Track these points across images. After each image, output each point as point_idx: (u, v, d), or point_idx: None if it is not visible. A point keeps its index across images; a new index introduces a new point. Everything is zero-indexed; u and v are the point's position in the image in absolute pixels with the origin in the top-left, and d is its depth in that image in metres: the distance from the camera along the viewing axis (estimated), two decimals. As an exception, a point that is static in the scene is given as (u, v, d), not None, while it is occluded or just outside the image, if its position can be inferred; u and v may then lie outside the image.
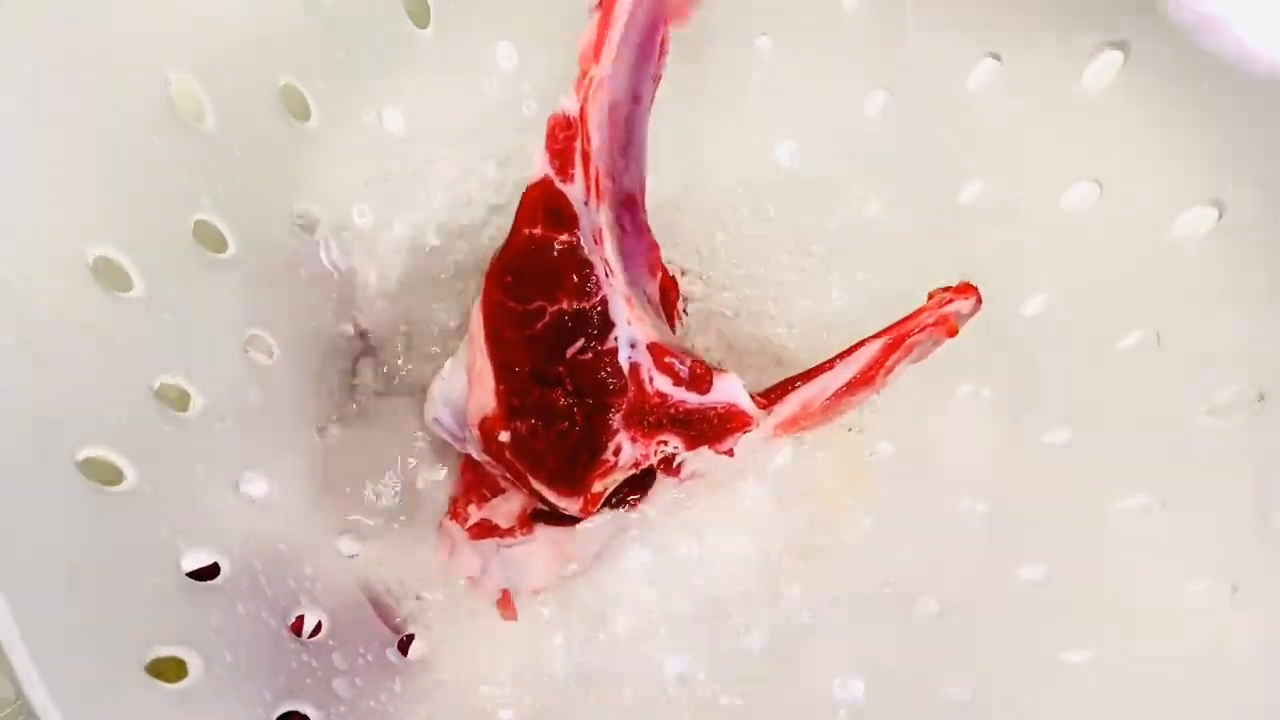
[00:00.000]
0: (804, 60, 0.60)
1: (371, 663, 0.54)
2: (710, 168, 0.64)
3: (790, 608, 0.59)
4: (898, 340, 0.54)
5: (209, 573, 0.48)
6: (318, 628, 0.52)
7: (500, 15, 0.59)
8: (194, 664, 0.44)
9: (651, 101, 0.50)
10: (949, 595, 0.58)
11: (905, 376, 0.54)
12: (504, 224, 0.59)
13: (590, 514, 0.51)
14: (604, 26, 0.45)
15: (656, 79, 0.50)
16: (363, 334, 0.59)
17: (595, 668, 0.59)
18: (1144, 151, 0.50)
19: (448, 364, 0.54)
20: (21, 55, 0.41)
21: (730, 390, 0.51)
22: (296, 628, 0.52)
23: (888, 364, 0.56)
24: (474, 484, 0.56)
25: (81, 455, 0.42)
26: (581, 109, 0.47)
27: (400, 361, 0.60)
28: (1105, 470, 0.54)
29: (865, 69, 0.59)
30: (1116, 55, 0.50)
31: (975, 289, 0.54)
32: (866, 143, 0.61)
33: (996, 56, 0.55)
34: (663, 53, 0.49)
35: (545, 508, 0.55)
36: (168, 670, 0.43)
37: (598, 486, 0.51)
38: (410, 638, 0.57)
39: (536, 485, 0.51)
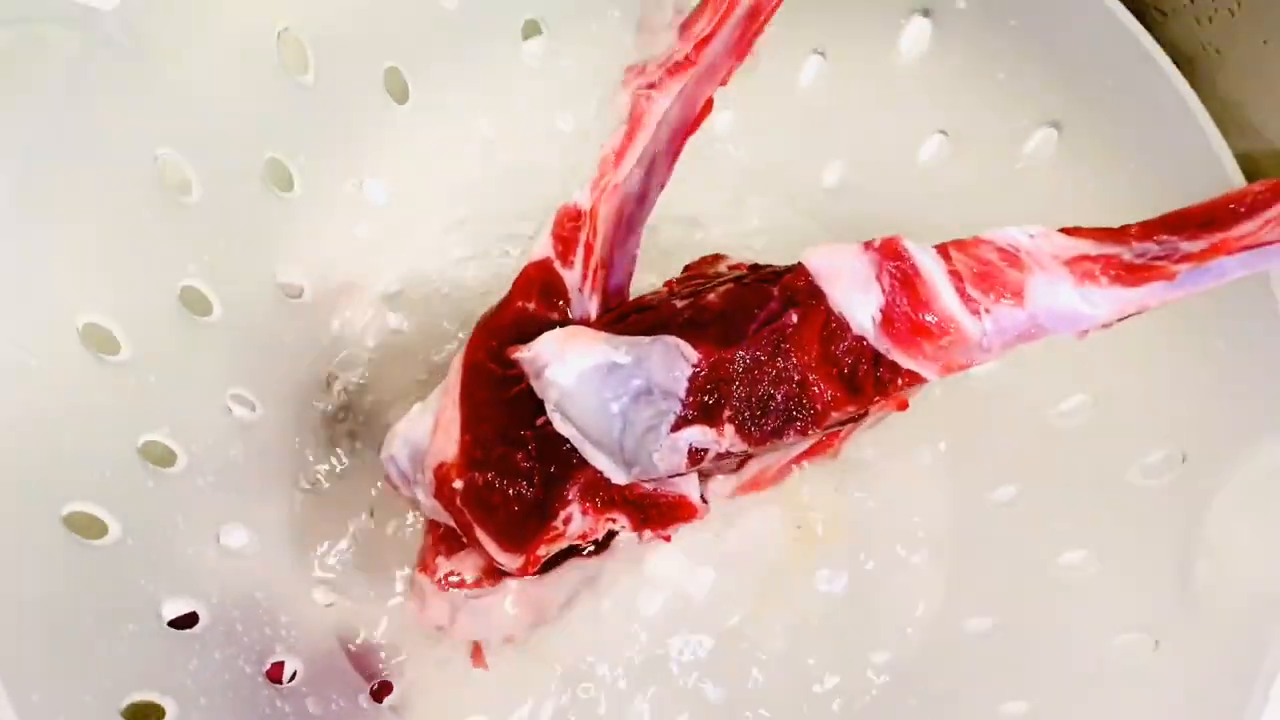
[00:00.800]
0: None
1: (345, 709, 0.56)
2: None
3: (745, 660, 0.61)
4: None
5: (188, 621, 0.50)
6: (293, 674, 0.55)
7: (475, 92, 0.62)
8: (170, 709, 0.46)
9: (654, 204, 0.54)
10: (902, 650, 0.60)
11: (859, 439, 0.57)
12: (481, 289, 0.64)
13: (527, 574, 0.53)
14: (629, 139, 0.49)
15: (663, 185, 0.53)
16: (341, 391, 0.62)
17: (566, 716, 0.61)
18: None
19: (416, 407, 0.56)
20: (17, 136, 0.44)
21: (685, 485, 0.54)
22: (273, 674, 0.54)
23: (843, 432, 0.58)
24: (442, 536, 0.59)
25: (66, 510, 0.45)
26: (593, 208, 0.50)
27: (375, 419, 0.62)
28: (1048, 526, 0.56)
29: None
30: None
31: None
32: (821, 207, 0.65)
33: (945, 133, 0.59)
34: (673, 163, 0.52)
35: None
36: (146, 714, 0.46)
37: (541, 550, 0.53)
38: (384, 685, 0.59)
39: (481, 535, 0.53)
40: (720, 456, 0.47)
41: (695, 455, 0.47)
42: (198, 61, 0.50)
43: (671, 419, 0.47)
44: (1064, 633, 0.53)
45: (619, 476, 0.51)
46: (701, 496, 0.55)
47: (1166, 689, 0.47)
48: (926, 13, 0.55)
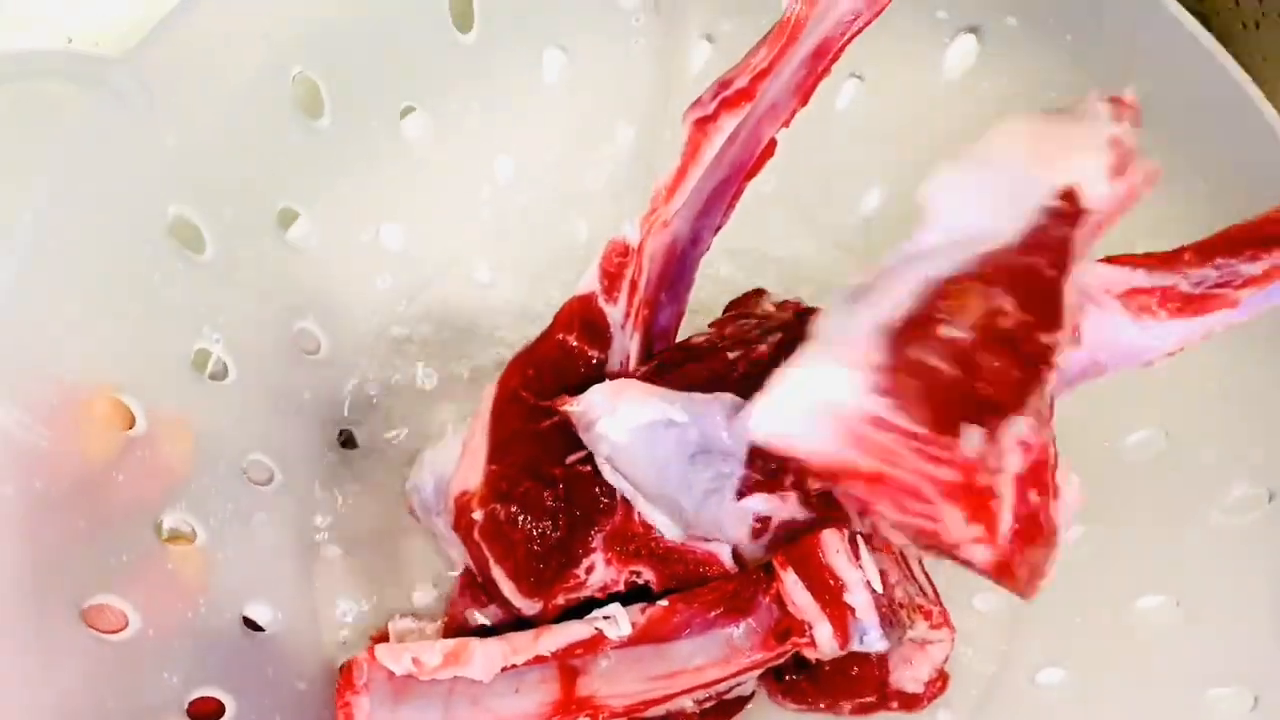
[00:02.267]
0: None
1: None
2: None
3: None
4: None
5: (214, 714, 0.47)
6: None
7: (497, 127, 0.59)
8: (203, 813, 0.43)
9: (708, 247, 0.51)
10: (964, 703, 0.57)
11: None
12: (504, 334, 0.61)
13: (544, 620, 0.50)
14: (682, 173, 0.46)
15: (718, 228, 0.51)
16: (364, 448, 0.59)
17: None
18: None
19: (448, 434, 0.54)
20: (28, 206, 0.41)
21: (716, 543, 0.51)
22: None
23: None
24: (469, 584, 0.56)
25: (87, 604, 0.41)
26: (641, 242, 0.47)
27: (398, 474, 0.59)
28: (1120, 569, 0.53)
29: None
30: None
31: None
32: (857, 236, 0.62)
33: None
34: (731, 205, 0.50)
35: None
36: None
37: (560, 600, 0.51)
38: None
39: (496, 573, 0.50)
40: (783, 526, 0.45)
41: (759, 525, 0.45)
42: (210, 111, 0.47)
43: (734, 483, 0.44)
44: (1146, 687, 0.50)
45: (674, 533, 0.48)
46: (735, 555, 0.52)
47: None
48: (973, 30, 0.53)
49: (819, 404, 0.36)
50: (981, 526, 0.35)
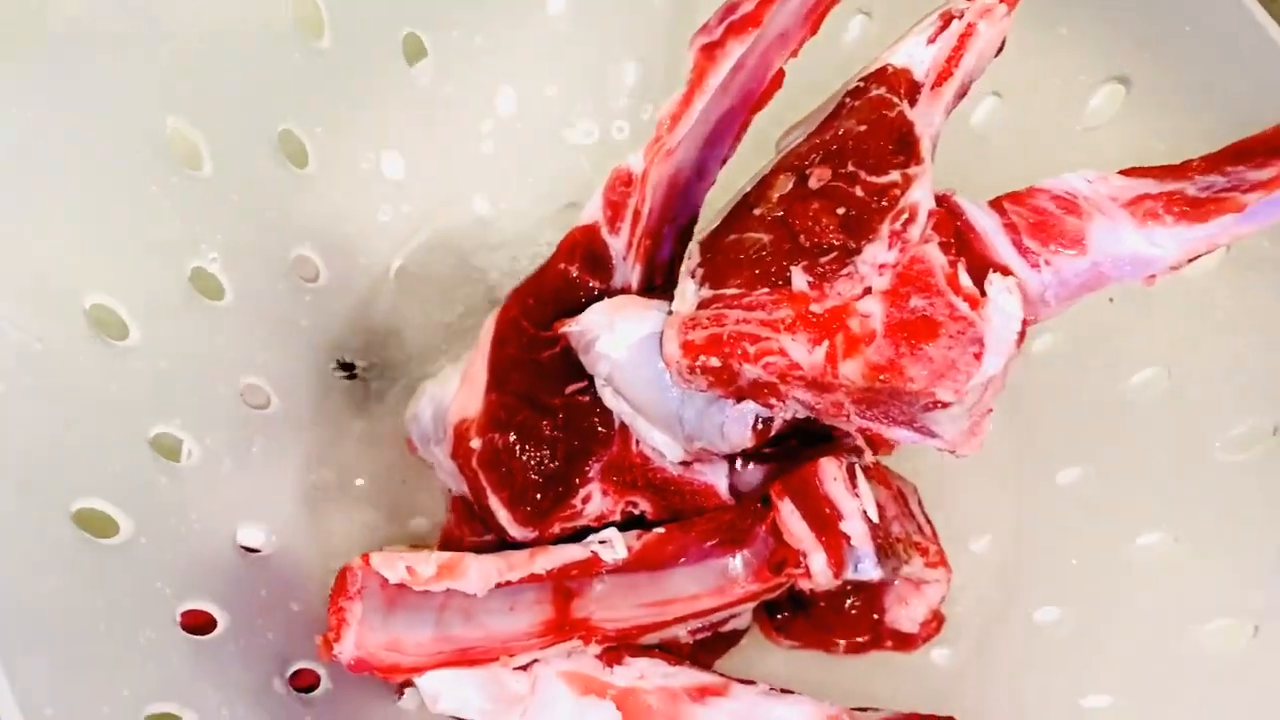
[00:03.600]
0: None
1: (373, 718, 0.53)
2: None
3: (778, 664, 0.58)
4: None
5: (205, 626, 0.46)
6: (317, 682, 0.51)
7: (500, 56, 0.58)
8: (191, 720, 0.43)
9: (714, 181, 0.51)
10: (962, 644, 0.56)
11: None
12: (504, 268, 0.60)
13: (535, 547, 0.50)
14: (687, 100, 0.45)
15: (724, 160, 0.50)
16: (361, 377, 0.58)
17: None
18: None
19: (448, 366, 0.53)
20: (19, 104, 0.40)
21: (713, 474, 0.51)
22: (298, 683, 0.51)
23: None
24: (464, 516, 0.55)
25: (75, 507, 0.41)
26: (645, 171, 0.47)
27: (398, 408, 0.59)
28: (1119, 509, 0.53)
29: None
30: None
31: None
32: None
33: (998, 94, 0.55)
34: (738, 137, 0.50)
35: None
36: (163, 727, 0.42)
37: (556, 529, 0.51)
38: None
39: (493, 502, 0.50)
40: (785, 427, 0.44)
41: (762, 427, 0.44)
42: (208, 22, 0.47)
43: (735, 388, 0.44)
44: (1146, 621, 0.50)
45: (675, 452, 0.48)
46: (732, 488, 0.52)
47: (1269, 677, 0.44)
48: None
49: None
50: (826, 344, 0.39)
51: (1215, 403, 0.49)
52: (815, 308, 0.40)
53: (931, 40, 0.43)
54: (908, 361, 0.38)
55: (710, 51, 0.46)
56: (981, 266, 0.39)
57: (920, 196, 0.41)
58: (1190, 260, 0.39)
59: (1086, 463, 0.55)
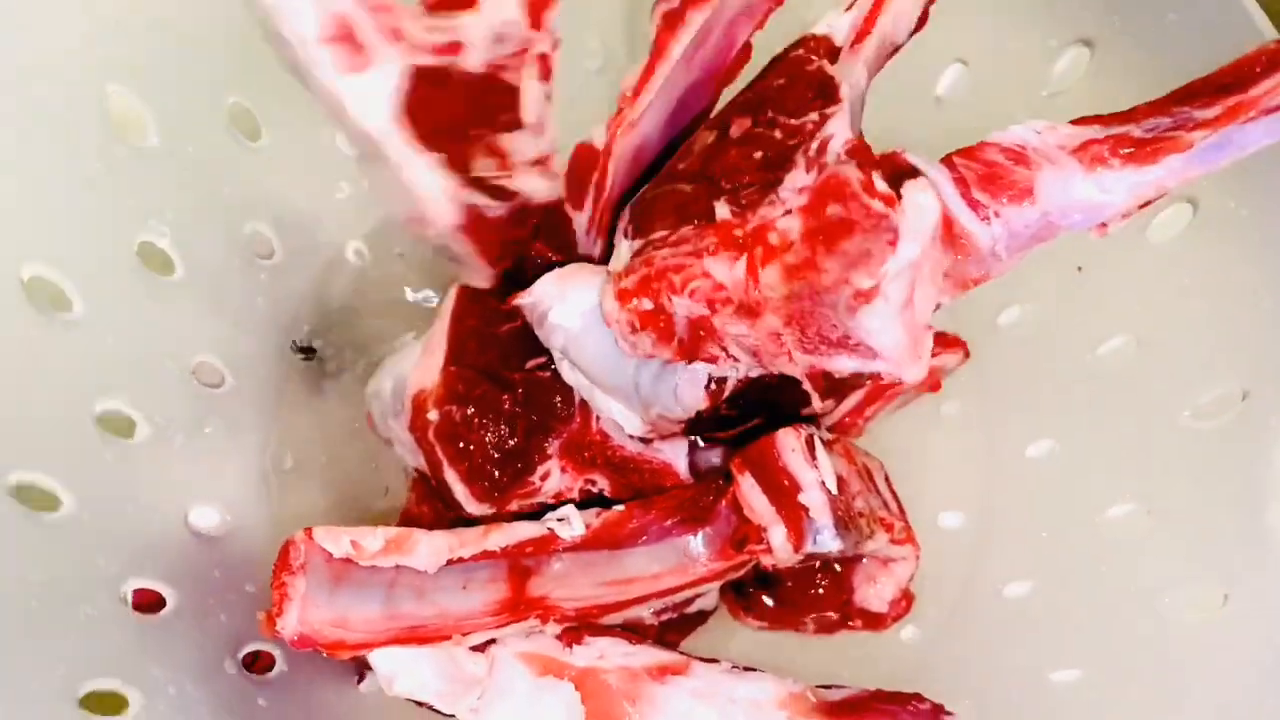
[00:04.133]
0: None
1: (330, 701, 0.51)
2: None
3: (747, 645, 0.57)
4: (877, 391, 0.53)
5: (154, 605, 0.45)
6: (272, 663, 0.50)
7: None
8: (135, 700, 0.42)
9: None
10: (931, 622, 0.56)
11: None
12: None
13: (489, 523, 0.49)
14: (649, 71, 0.44)
15: (690, 135, 0.49)
16: (320, 358, 0.57)
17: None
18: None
19: (410, 338, 0.53)
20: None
21: (672, 452, 0.51)
22: (251, 664, 0.50)
23: (867, 413, 0.55)
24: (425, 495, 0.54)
25: (13, 479, 0.40)
26: (607, 144, 0.46)
27: (360, 385, 0.58)
28: (1089, 481, 0.52)
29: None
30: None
31: (963, 343, 0.53)
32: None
33: (964, 61, 0.54)
34: (706, 112, 0.49)
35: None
36: (105, 705, 0.41)
37: (515, 506, 0.50)
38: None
39: (450, 476, 0.49)
40: (740, 386, 0.43)
41: (715, 387, 0.43)
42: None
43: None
44: (1116, 593, 0.49)
45: (634, 424, 0.47)
46: (691, 466, 0.51)
47: (1239, 645, 0.43)
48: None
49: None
50: (746, 258, 0.38)
51: (1184, 370, 0.48)
52: (737, 232, 0.39)
53: (848, 8, 0.43)
54: (822, 257, 0.37)
55: (671, 20, 0.45)
56: (900, 179, 0.39)
57: (837, 127, 0.40)
58: (1141, 206, 0.37)
59: (1055, 435, 0.54)
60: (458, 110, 0.44)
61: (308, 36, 0.39)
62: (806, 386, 0.39)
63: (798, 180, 0.39)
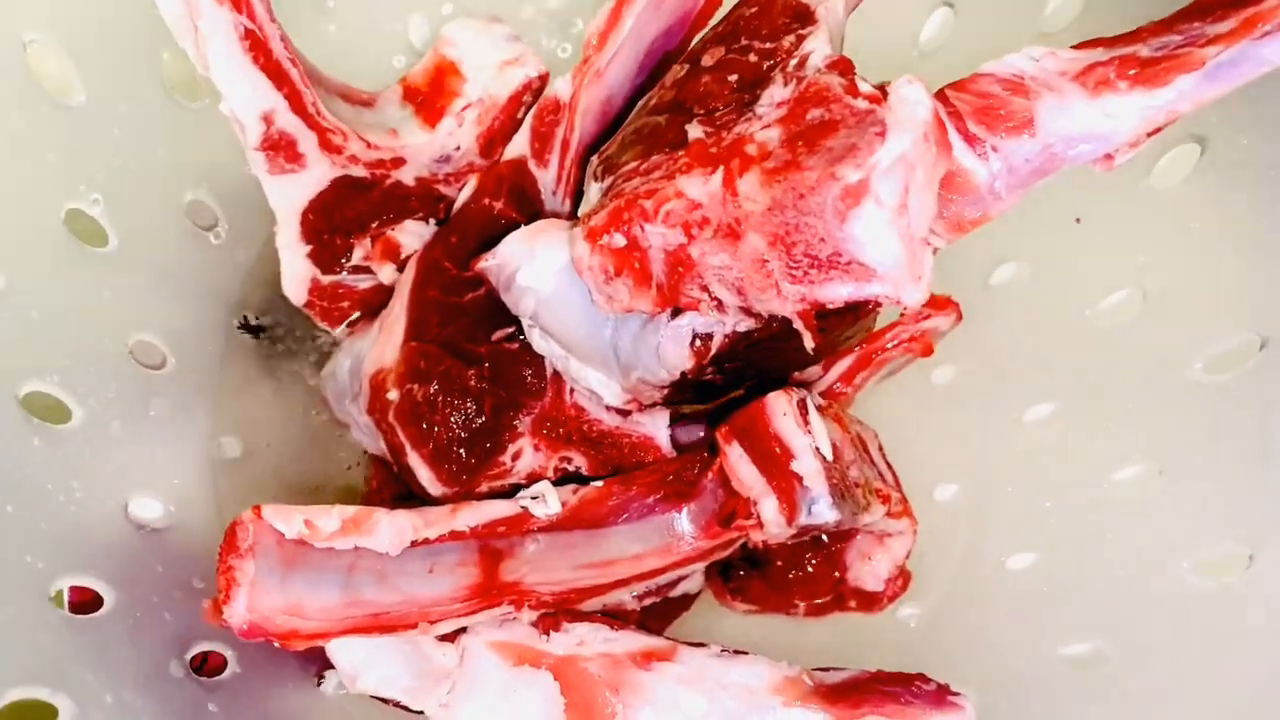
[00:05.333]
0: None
1: (285, 703, 0.48)
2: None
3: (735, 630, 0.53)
4: (866, 357, 0.50)
5: (90, 605, 0.42)
6: (223, 665, 0.46)
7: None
8: (65, 708, 0.38)
9: None
10: (931, 600, 0.53)
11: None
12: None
13: (455, 506, 0.45)
14: (616, 15, 0.42)
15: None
16: (270, 336, 0.53)
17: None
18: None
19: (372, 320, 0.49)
20: None
21: (652, 424, 0.47)
22: (206, 667, 0.46)
23: (857, 380, 0.52)
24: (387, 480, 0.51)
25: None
26: (573, 96, 0.43)
27: (307, 363, 0.54)
28: (1094, 444, 0.49)
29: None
30: None
31: (956, 304, 0.50)
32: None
33: (949, 5, 0.51)
34: (674, 56, 0.45)
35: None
36: (31, 716, 0.37)
37: (484, 488, 0.46)
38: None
39: (413, 459, 0.45)
40: (728, 342, 0.40)
41: (701, 345, 0.40)
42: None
43: (670, 304, 0.39)
44: (1128, 561, 0.46)
45: (613, 392, 0.44)
46: (672, 440, 0.48)
47: (1268, 609, 0.40)
48: None
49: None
50: (721, 169, 0.35)
51: (1195, 321, 0.46)
52: (713, 149, 0.36)
53: None
54: (804, 155, 0.33)
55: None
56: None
57: (816, 44, 0.37)
58: (1151, 134, 0.34)
59: (1056, 397, 0.51)
60: (365, 211, 0.47)
61: (247, 143, 0.42)
62: (798, 325, 0.35)
63: (776, 95, 0.36)
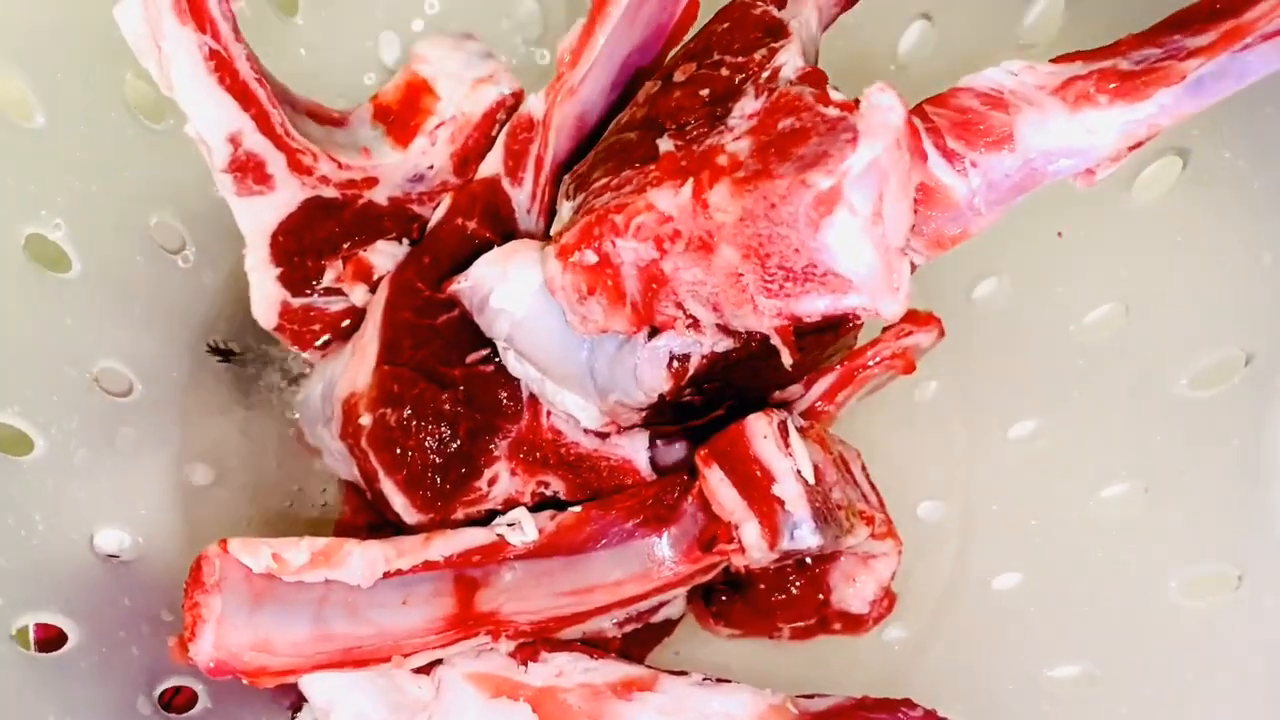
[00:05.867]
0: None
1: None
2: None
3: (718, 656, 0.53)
4: (848, 375, 0.49)
5: (53, 642, 0.40)
6: (194, 700, 0.45)
7: (373, 4, 0.53)
8: (27, 750, 0.36)
9: None
10: (916, 621, 0.52)
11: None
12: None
13: (428, 535, 0.44)
14: (589, 31, 0.41)
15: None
16: (240, 361, 0.52)
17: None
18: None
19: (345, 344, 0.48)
20: None
21: (631, 447, 0.47)
22: (175, 704, 0.45)
23: (839, 398, 0.51)
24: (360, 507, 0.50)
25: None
26: (547, 113, 0.43)
27: (278, 388, 0.53)
28: (1080, 461, 0.48)
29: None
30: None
31: (938, 320, 0.49)
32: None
33: (927, 17, 0.51)
34: (649, 72, 0.45)
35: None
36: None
37: (460, 514, 0.45)
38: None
39: (386, 486, 0.44)
40: (705, 363, 0.39)
41: (678, 366, 0.39)
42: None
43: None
44: (1115, 580, 0.46)
45: (590, 415, 0.43)
46: (652, 462, 0.47)
47: (1259, 629, 0.39)
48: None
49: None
50: (691, 181, 0.34)
51: (1180, 336, 0.45)
52: (683, 162, 0.35)
53: None
54: (775, 164, 0.33)
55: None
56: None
57: (788, 56, 0.37)
58: (1131, 149, 0.34)
59: (1040, 414, 0.51)
60: (336, 233, 0.46)
61: (214, 165, 0.41)
62: (776, 341, 0.34)
63: (747, 108, 0.36)
